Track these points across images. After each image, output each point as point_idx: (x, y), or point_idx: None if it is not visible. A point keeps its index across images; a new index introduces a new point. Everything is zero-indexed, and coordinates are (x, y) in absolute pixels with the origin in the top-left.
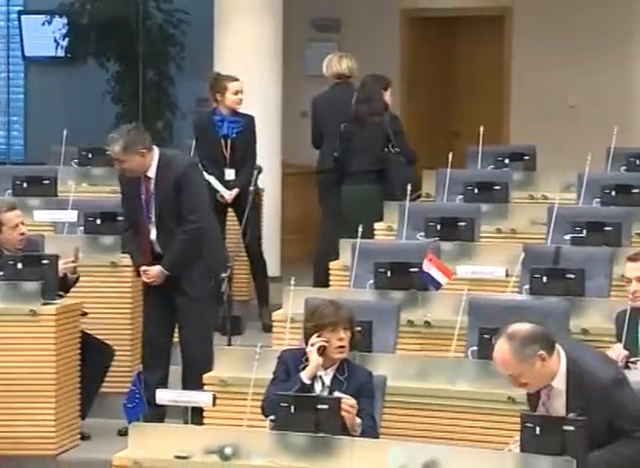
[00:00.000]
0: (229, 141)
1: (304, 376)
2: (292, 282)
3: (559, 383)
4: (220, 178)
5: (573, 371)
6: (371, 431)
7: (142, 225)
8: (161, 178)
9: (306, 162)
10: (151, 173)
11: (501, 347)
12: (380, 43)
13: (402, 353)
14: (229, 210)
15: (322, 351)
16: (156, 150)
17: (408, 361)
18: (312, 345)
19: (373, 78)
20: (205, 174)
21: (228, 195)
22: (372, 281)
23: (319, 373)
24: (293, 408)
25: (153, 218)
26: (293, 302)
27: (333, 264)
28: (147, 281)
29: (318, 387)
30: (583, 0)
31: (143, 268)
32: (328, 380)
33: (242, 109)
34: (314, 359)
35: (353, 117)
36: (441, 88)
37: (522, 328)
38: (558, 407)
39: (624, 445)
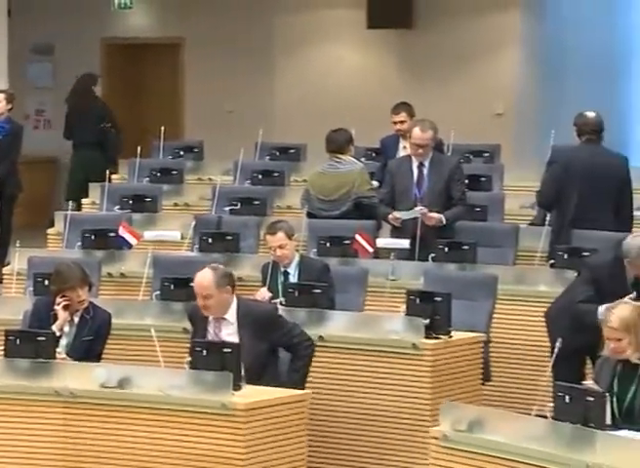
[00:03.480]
0: None
1: (55, 329)
2: (17, 244)
3: (231, 317)
4: None
5: (243, 307)
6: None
7: None
8: None
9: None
10: None
11: (206, 273)
12: (86, 64)
13: (103, 297)
14: None
15: (67, 307)
16: None
17: (109, 303)
18: (58, 304)
19: (86, 75)
20: None
21: None
22: (80, 243)
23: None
24: (18, 340)
25: None
26: (18, 260)
27: (49, 231)
28: None
29: (67, 328)
30: (239, 34)
31: None
32: (76, 320)
33: None
34: (61, 315)
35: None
36: (135, 98)
37: (221, 266)
38: (225, 335)
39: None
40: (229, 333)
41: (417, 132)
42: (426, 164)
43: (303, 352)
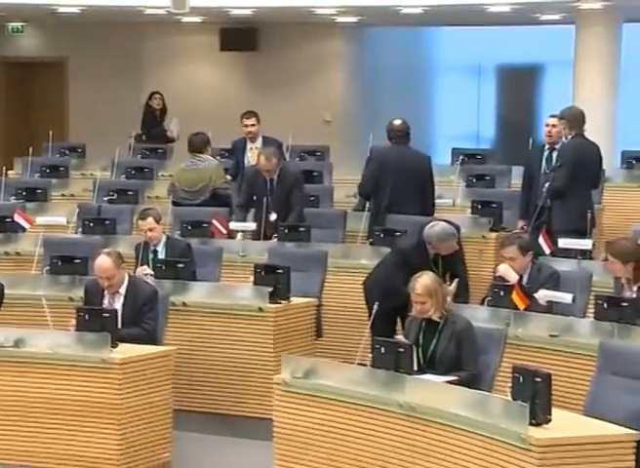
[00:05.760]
0: None
1: None
2: None
3: (122, 290)
4: None
5: (132, 283)
6: None
7: None
8: None
9: None
10: None
11: (104, 259)
12: None
13: (1, 272)
14: None
15: None
16: None
17: (6, 277)
18: None
19: None
20: None
21: None
22: None
23: None
24: None
25: None
26: None
27: None
28: None
29: None
30: (115, 54)
31: None
32: None
33: None
34: None
35: None
36: (27, 108)
37: (112, 250)
38: (118, 305)
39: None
40: (121, 303)
41: (262, 160)
42: (275, 178)
43: (141, 331)
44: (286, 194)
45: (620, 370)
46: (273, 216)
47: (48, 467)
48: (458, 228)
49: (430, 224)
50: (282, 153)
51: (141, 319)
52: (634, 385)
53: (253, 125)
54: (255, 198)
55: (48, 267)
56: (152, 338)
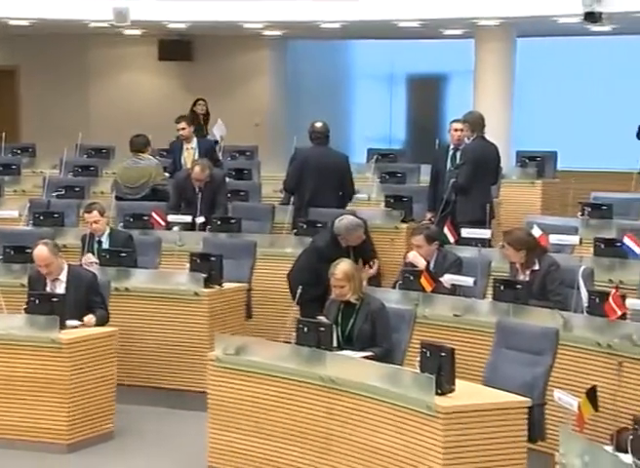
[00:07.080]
0: None
1: None
2: None
3: (62, 277)
4: None
5: (72, 270)
6: None
7: None
8: None
9: None
10: None
11: (41, 248)
12: None
13: None
14: None
15: None
16: None
17: None
18: None
19: None
20: None
21: None
22: None
23: None
24: None
25: None
26: None
27: None
28: None
29: None
30: (62, 63)
31: None
32: None
33: None
34: None
35: None
36: None
37: (49, 240)
38: (59, 290)
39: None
40: (63, 289)
41: (197, 170)
42: (203, 185)
43: (104, 312)
44: (212, 196)
45: (515, 345)
46: (201, 219)
47: (2, 437)
48: (364, 220)
49: (339, 218)
50: (216, 153)
51: (94, 303)
52: (526, 358)
53: (183, 128)
54: (185, 199)
55: (1, 256)
56: (108, 317)
